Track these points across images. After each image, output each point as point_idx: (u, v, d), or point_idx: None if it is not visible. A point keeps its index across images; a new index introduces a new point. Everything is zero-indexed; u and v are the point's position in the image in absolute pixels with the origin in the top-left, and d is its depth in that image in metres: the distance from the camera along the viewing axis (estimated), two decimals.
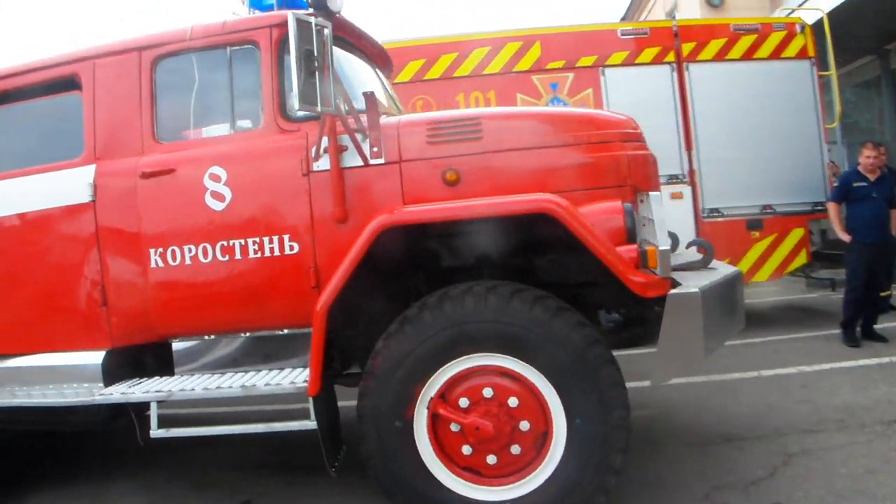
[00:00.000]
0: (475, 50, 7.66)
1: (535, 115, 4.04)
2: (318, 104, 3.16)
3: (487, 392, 3.18)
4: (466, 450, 3.19)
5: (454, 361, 3.20)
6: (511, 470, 3.20)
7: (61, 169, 3.86)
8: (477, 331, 3.15)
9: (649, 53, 7.78)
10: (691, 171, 7.64)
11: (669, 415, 4.94)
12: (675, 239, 4.09)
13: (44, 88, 4.00)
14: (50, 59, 4.00)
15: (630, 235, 3.22)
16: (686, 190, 7.58)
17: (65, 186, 3.84)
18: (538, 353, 3.12)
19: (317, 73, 3.15)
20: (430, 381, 3.21)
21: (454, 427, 3.20)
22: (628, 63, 7.74)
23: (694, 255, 4.03)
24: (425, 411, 3.23)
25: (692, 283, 3.10)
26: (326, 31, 3.24)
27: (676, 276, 3.30)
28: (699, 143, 7.68)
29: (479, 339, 3.16)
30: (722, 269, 3.68)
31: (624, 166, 3.53)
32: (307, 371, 3.28)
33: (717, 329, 3.18)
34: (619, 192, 3.43)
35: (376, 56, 4.64)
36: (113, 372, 3.77)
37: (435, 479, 3.24)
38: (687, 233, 7.03)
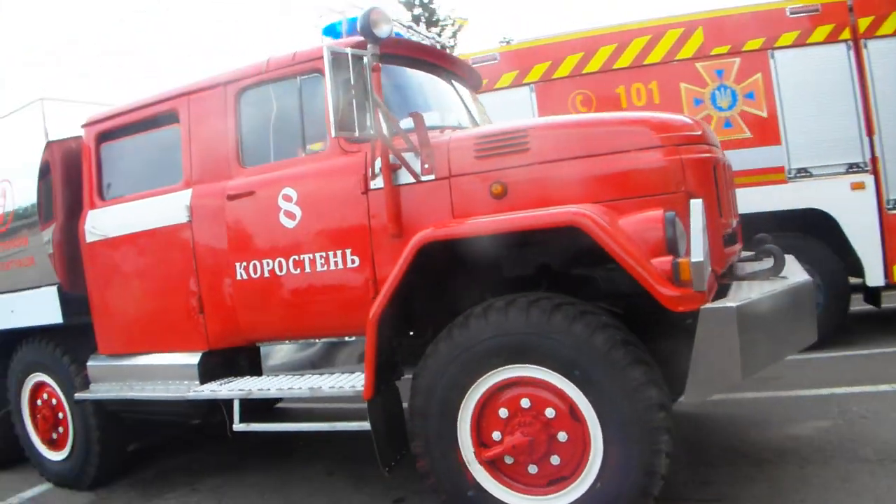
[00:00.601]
0: (635, 39, 7.40)
1: (581, 123, 3.96)
2: (356, 130, 3.41)
3: (525, 403, 3.28)
4: (508, 459, 3.32)
5: (496, 370, 3.32)
6: (552, 480, 3.29)
7: (166, 193, 4.49)
8: (517, 342, 3.25)
9: (822, 32, 7.15)
10: (874, 159, 6.94)
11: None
12: (778, 257, 3.84)
13: (151, 122, 4.60)
14: (154, 96, 4.60)
15: (671, 246, 3.05)
16: (868, 179, 6.90)
17: (168, 209, 4.46)
18: (574, 366, 3.15)
19: (354, 99, 3.39)
20: (473, 386, 3.36)
21: (496, 435, 3.33)
22: (799, 43, 7.17)
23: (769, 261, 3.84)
24: (469, 416, 3.39)
25: (737, 296, 3.01)
26: (366, 60, 3.47)
27: (738, 286, 3.30)
28: (882, 128, 6.96)
29: (519, 351, 3.26)
30: (792, 279, 3.54)
31: (676, 172, 3.36)
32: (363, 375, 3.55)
33: (762, 346, 3.07)
34: (670, 200, 3.26)
35: (459, 72, 4.87)
36: (208, 371, 4.35)
37: (477, 482, 3.40)
38: (870, 227, 6.71)
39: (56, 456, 5.23)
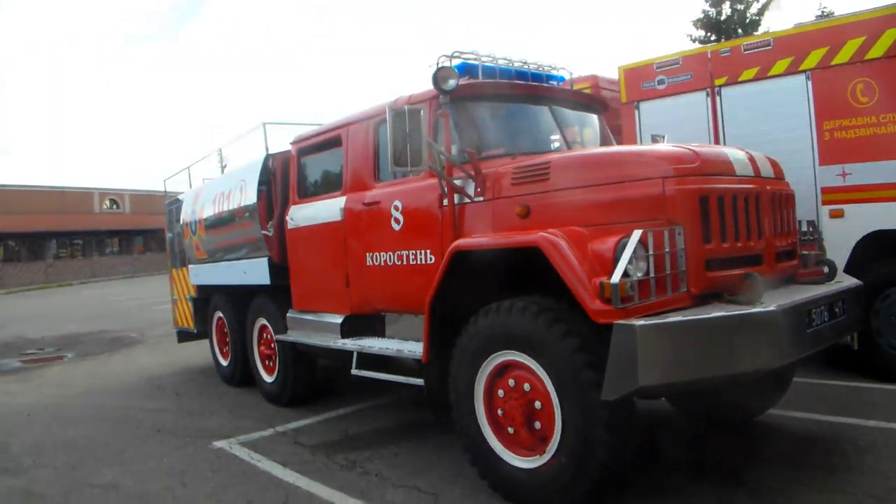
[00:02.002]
0: None
1: (590, 157, 4.81)
2: (409, 165, 4.77)
3: (511, 382, 4.26)
4: (509, 427, 4.33)
5: (498, 353, 4.30)
6: (532, 444, 4.21)
7: (331, 198, 6.39)
8: (506, 333, 4.20)
9: None
10: None
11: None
12: (832, 266, 4.79)
13: (330, 143, 6.52)
14: (330, 124, 6.53)
15: (623, 267, 3.59)
16: None
17: (331, 209, 6.31)
18: (538, 351, 4.02)
19: (409, 142, 4.73)
20: (484, 363, 4.39)
21: (499, 410, 4.39)
22: None
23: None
24: (483, 384, 4.45)
25: (668, 317, 3.58)
26: (422, 112, 4.83)
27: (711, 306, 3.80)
28: None
29: (504, 340, 4.23)
30: (806, 293, 4.13)
31: (657, 203, 3.99)
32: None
33: (668, 361, 3.53)
34: (653, 226, 3.85)
35: (564, 98, 5.97)
36: (347, 330, 6.17)
37: (486, 441, 4.44)
38: None
39: (268, 378, 7.59)
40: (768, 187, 4.44)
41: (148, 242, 51.86)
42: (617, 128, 8.60)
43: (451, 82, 4.94)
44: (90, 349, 13.25)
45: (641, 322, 3.48)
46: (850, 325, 4.55)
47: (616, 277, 3.55)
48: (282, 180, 7.26)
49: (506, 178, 4.81)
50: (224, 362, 9.00)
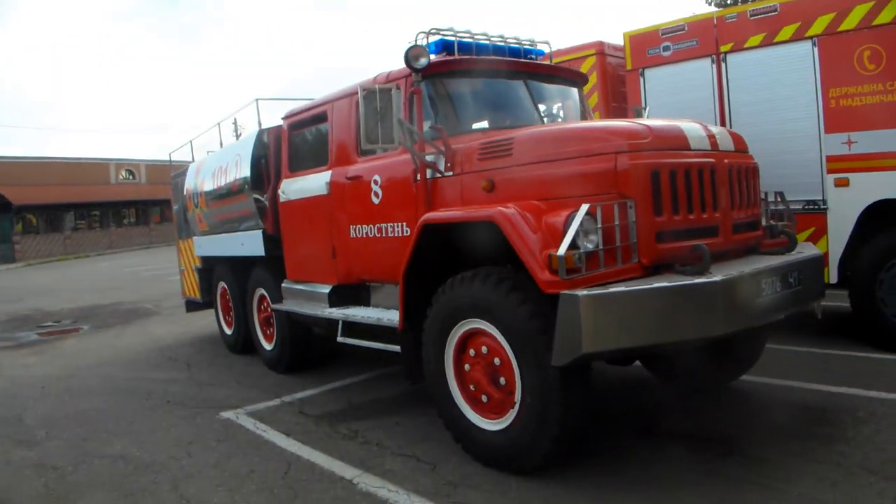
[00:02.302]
0: None
1: (550, 133, 4.93)
2: (380, 142, 4.99)
3: (480, 349, 4.54)
4: (471, 387, 4.65)
5: (465, 320, 4.55)
6: (497, 408, 4.48)
7: (318, 172, 6.60)
8: (472, 302, 4.45)
9: None
10: None
11: None
12: (791, 237, 4.95)
13: (317, 119, 6.62)
14: (317, 101, 6.60)
15: (570, 240, 3.79)
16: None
17: (318, 183, 6.54)
18: (498, 318, 4.26)
19: (380, 120, 4.93)
20: (453, 329, 4.65)
21: (466, 367, 4.67)
22: None
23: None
24: (452, 351, 4.73)
25: (611, 287, 3.76)
26: (394, 93, 4.95)
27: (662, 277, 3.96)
28: None
29: (468, 308, 4.47)
30: (761, 263, 4.27)
31: (608, 177, 4.17)
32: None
33: (612, 328, 3.73)
34: (605, 199, 4.05)
35: (542, 73, 6.12)
36: (334, 299, 6.47)
37: (457, 406, 4.73)
38: None
39: (267, 346, 8.14)
40: (726, 161, 4.51)
41: (164, 213, 52.08)
42: (622, 95, 8.56)
43: (423, 60, 5.06)
44: (105, 321, 13.47)
45: (584, 292, 3.66)
46: (808, 295, 4.65)
47: (562, 250, 3.73)
48: (275, 154, 7.50)
49: (473, 154, 4.99)
50: (228, 331, 9.38)
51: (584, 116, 6.39)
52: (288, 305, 7.20)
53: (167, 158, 12.27)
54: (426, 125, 5.40)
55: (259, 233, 7.64)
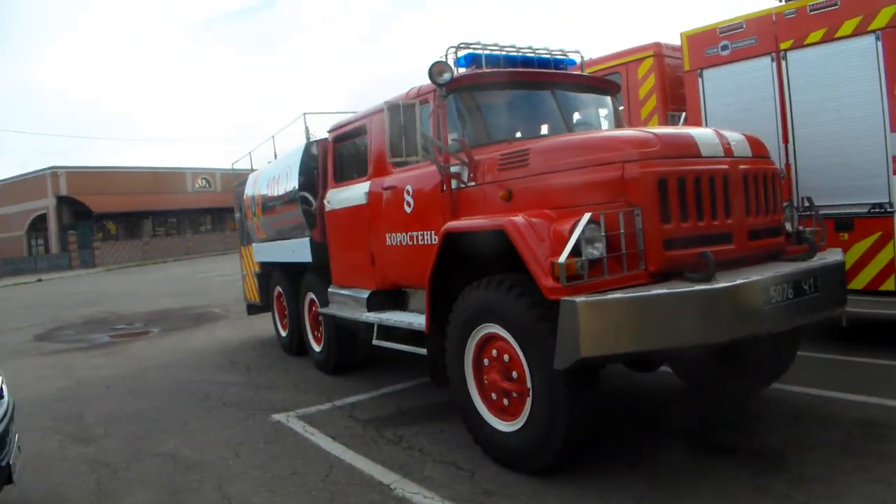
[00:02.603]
0: None
1: (563, 143, 4.97)
2: (403, 155, 5.25)
3: (494, 352, 4.71)
4: (489, 390, 4.80)
5: (483, 324, 4.70)
6: (512, 410, 4.61)
7: (358, 182, 6.93)
8: (478, 309, 4.67)
9: None
10: None
11: None
12: (812, 243, 4.86)
13: (358, 132, 6.90)
14: (358, 115, 6.93)
15: (575, 247, 3.90)
16: None
17: (358, 193, 6.86)
18: (509, 322, 4.41)
19: (405, 134, 5.20)
20: (472, 333, 4.81)
21: (484, 370, 4.83)
22: None
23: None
24: (471, 354, 4.89)
25: (610, 294, 3.85)
26: (417, 108, 5.30)
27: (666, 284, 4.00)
28: None
29: (484, 313, 4.62)
30: (775, 270, 4.25)
31: (617, 186, 4.24)
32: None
33: (609, 333, 3.80)
34: (613, 208, 4.13)
35: (569, 83, 6.23)
36: (373, 304, 6.68)
37: (476, 407, 4.89)
38: None
39: (317, 348, 8.51)
40: (741, 167, 4.50)
41: None
42: (681, 97, 8.36)
43: (446, 76, 5.25)
44: (175, 324, 13.91)
45: (582, 299, 3.77)
46: (827, 303, 4.56)
47: (562, 258, 3.84)
48: (322, 165, 7.87)
49: (493, 165, 5.16)
50: (283, 333, 9.77)
51: (617, 124, 6.45)
52: (332, 309, 7.50)
53: (242, 167, 12.77)
54: (454, 137, 5.58)
55: (307, 240, 8.00)
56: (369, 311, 6.62)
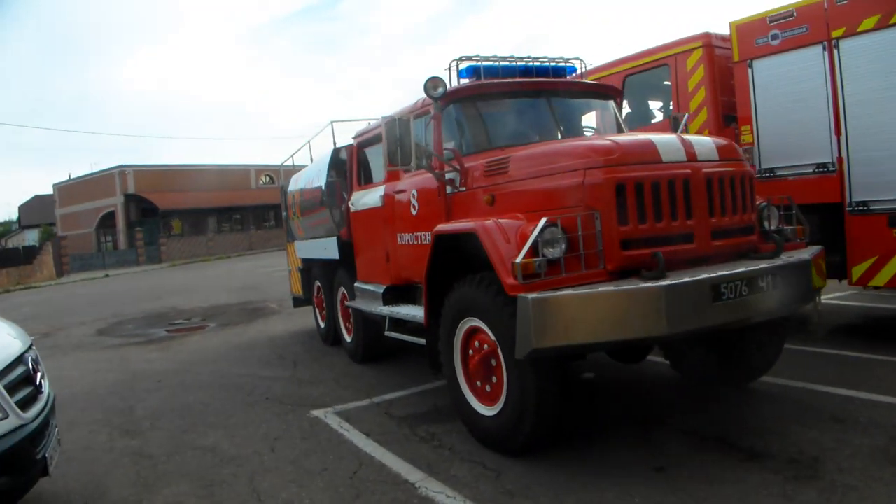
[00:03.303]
0: None
1: (537, 151, 5.33)
2: (399, 163, 5.76)
3: (477, 343, 5.15)
4: (473, 377, 5.26)
5: (467, 318, 5.16)
6: (492, 395, 5.06)
7: (376, 186, 7.48)
8: (463, 303, 5.13)
9: None
10: None
11: None
12: (778, 242, 5.09)
13: (376, 139, 7.26)
14: (376, 122, 7.33)
15: (535, 248, 4.29)
16: None
17: (375, 196, 7.39)
18: (487, 317, 4.86)
19: (401, 145, 5.68)
20: (459, 325, 5.27)
21: (469, 358, 5.26)
22: None
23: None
24: (459, 345, 5.35)
25: (559, 290, 4.20)
26: (411, 121, 5.76)
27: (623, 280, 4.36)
28: None
29: (468, 308, 5.09)
30: (733, 268, 4.49)
31: (577, 192, 4.60)
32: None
33: (559, 326, 4.15)
34: (576, 211, 4.48)
35: (566, 90, 6.61)
36: (388, 298, 7.16)
37: (463, 393, 5.36)
38: None
39: (348, 338, 9.19)
40: (705, 170, 4.74)
41: None
42: (732, 88, 8.16)
43: (439, 90, 5.72)
44: (231, 319, 14.30)
45: (534, 295, 4.16)
46: (789, 299, 4.75)
47: (519, 258, 4.24)
48: (349, 169, 8.44)
49: (480, 171, 5.58)
50: (322, 324, 10.52)
51: (619, 128, 6.74)
52: (356, 303, 8.08)
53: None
54: (449, 146, 6.03)
55: (335, 239, 8.70)
56: (384, 304, 7.10)
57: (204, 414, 6.89)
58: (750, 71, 7.74)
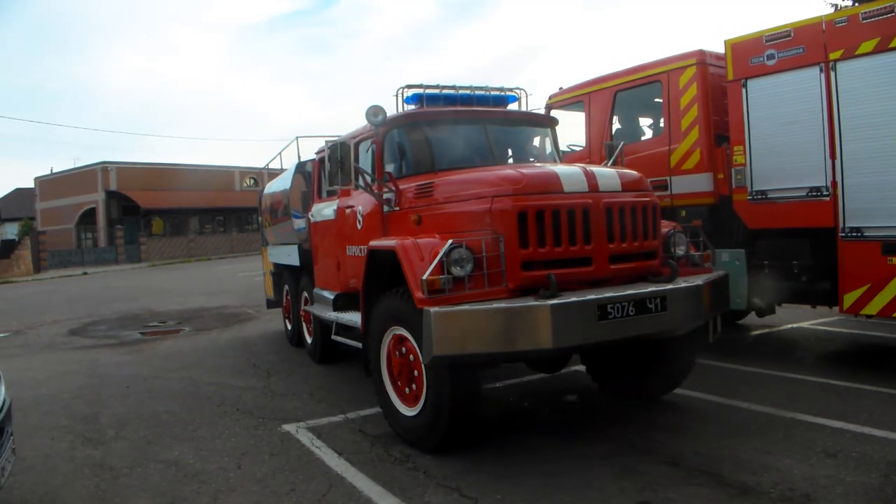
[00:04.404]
0: None
1: (457, 178, 5.89)
2: (339, 184, 6.40)
3: (401, 350, 5.61)
4: (397, 380, 5.71)
5: (391, 328, 5.64)
6: (413, 397, 5.52)
7: (332, 200, 8.01)
8: (388, 313, 5.58)
9: None
10: None
11: None
12: (674, 268, 5.50)
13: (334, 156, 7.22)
14: (334, 140, 7.22)
15: (443, 266, 4.79)
16: None
17: (330, 209, 7.99)
18: (409, 326, 5.26)
19: (341, 167, 6.30)
20: (385, 333, 5.74)
21: (394, 363, 5.74)
22: None
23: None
24: (385, 350, 5.82)
25: (459, 306, 4.69)
26: (350, 145, 6.46)
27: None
28: None
29: (392, 317, 5.54)
30: (625, 290, 4.97)
31: (485, 217, 5.15)
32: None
33: (455, 338, 4.64)
34: (481, 235, 5.00)
35: (519, 121, 7.43)
36: (339, 304, 7.68)
37: (388, 394, 5.81)
38: None
39: (309, 340, 9.73)
40: (605, 201, 5.21)
41: None
42: (724, 107, 8.04)
43: (380, 117, 6.15)
44: (207, 324, 14.02)
45: (434, 309, 4.65)
46: (673, 320, 5.13)
47: (425, 275, 4.75)
48: (312, 182, 9.09)
49: (411, 193, 6.14)
50: (289, 326, 11.01)
51: (554, 155, 7.49)
52: (313, 308, 8.72)
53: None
54: (392, 167, 6.72)
55: (296, 247, 9.55)
56: (335, 310, 7.65)
57: (171, 424, 6.63)
58: (744, 90, 7.61)
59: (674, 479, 4.63)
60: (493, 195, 5.15)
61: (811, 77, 6.96)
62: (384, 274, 5.65)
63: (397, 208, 6.25)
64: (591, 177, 5.25)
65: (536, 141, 7.49)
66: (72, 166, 50.99)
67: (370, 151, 6.89)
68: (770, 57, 7.30)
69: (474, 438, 5.45)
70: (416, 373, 5.41)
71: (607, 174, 5.42)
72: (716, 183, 8.17)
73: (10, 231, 53.78)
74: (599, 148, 9.43)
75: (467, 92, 7.24)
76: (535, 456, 5.24)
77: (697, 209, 8.25)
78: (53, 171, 53.77)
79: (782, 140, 7.34)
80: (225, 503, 4.65)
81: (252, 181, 54.51)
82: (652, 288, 5.08)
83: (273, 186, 10.84)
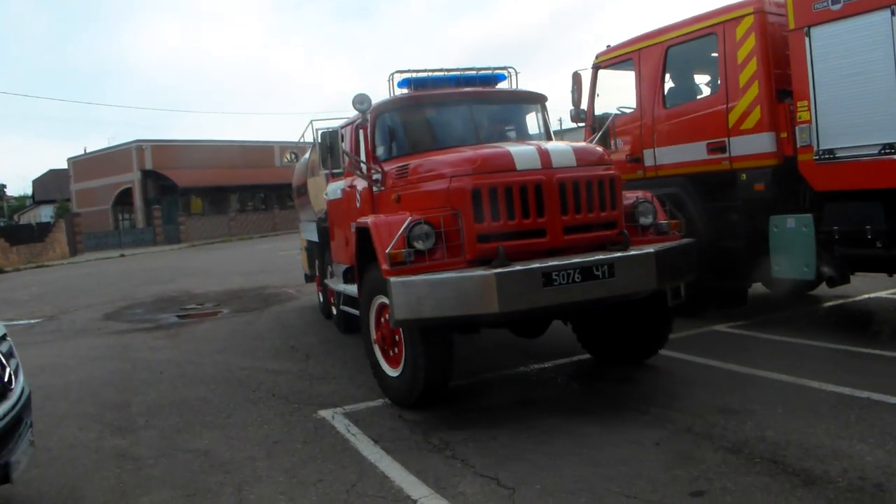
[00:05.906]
0: None
1: (426, 160, 6.56)
2: (330, 167, 7.13)
3: (385, 317, 6.31)
4: (383, 344, 6.51)
5: (376, 297, 6.41)
6: (396, 360, 6.28)
7: (342, 179, 8.58)
8: (373, 284, 6.35)
9: None
10: None
11: None
12: (626, 237, 5.96)
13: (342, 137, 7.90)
14: (350, 119, 8.62)
15: (407, 240, 5.60)
16: None
17: (340, 188, 8.65)
18: (385, 293, 5.71)
19: (331, 151, 6.93)
20: (372, 300, 6.53)
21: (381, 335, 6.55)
22: None
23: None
24: (373, 316, 6.61)
25: (418, 276, 5.43)
26: (340, 130, 7.32)
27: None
28: None
29: (377, 287, 6.20)
30: (574, 259, 5.51)
31: (445, 195, 5.90)
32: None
33: (422, 304, 5.35)
34: (441, 212, 5.75)
35: (490, 99, 7.98)
36: (349, 277, 8.21)
37: (376, 356, 6.60)
38: None
39: (335, 312, 10.32)
40: (559, 176, 5.76)
41: None
42: (786, 59, 7.68)
43: (365, 104, 6.96)
44: (246, 305, 14.18)
45: (395, 278, 5.42)
46: (621, 285, 5.57)
47: (389, 248, 5.57)
48: None
49: (393, 175, 6.88)
50: (321, 299, 12.02)
51: (545, 132, 8.07)
52: (331, 280, 9.74)
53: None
54: (382, 150, 7.49)
55: (314, 223, 10.60)
56: (345, 282, 8.43)
57: (202, 411, 6.69)
58: (807, 40, 7.25)
59: (733, 467, 4.46)
60: (451, 175, 5.91)
61: (882, 21, 6.57)
62: (371, 248, 6.11)
63: (383, 188, 7.02)
64: (544, 154, 5.82)
65: (526, 119, 8.09)
66: (106, 146, 52.01)
67: (361, 136, 7.73)
68: (835, 2, 6.92)
69: (490, 417, 5.88)
70: (396, 337, 6.19)
71: (561, 150, 5.99)
72: (779, 143, 7.87)
73: (45, 213, 55.16)
74: (652, 109, 9.18)
75: (457, 74, 7.90)
76: (583, 441, 5.11)
77: (759, 172, 7.97)
78: (87, 150, 54.92)
79: (851, 93, 6.97)
80: (249, 494, 4.65)
81: (293, 156, 54.65)
82: (599, 256, 5.55)
83: (299, 165, 11.91)
